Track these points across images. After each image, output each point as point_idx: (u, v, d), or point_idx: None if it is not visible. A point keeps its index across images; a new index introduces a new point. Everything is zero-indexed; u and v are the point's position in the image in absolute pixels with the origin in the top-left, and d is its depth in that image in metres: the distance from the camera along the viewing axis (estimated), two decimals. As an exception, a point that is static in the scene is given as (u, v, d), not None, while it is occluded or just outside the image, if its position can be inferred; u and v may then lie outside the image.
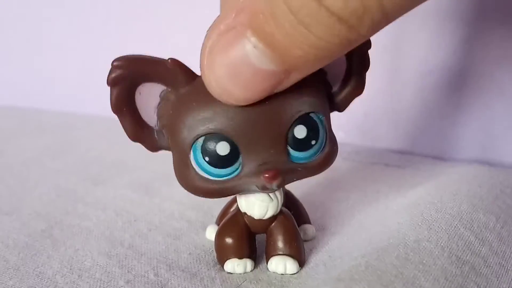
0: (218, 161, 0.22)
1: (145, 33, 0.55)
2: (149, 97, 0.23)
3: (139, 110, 0.24)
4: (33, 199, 0.36)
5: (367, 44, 0.24)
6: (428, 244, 0.24)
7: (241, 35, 0.19)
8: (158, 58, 0.22)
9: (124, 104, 0.23)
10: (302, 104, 0.22)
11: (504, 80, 0.39)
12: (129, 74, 0.22)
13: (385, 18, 0.18)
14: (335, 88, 0.25)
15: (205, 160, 0.22)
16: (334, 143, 0.24)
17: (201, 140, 0.22)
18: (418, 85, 0.42)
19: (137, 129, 0.24)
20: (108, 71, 0.22)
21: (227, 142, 0.22)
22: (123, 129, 0.24)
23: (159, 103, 0.23)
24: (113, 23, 0.57)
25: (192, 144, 0.22)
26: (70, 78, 0.62)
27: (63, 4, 0.60)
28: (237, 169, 0.22)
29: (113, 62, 0.22)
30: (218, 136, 0.22)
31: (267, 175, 0.22)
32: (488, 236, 0.26)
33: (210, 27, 0.20)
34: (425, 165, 0.39)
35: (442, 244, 0.24)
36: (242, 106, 0.21)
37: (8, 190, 0.39)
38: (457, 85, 0.40)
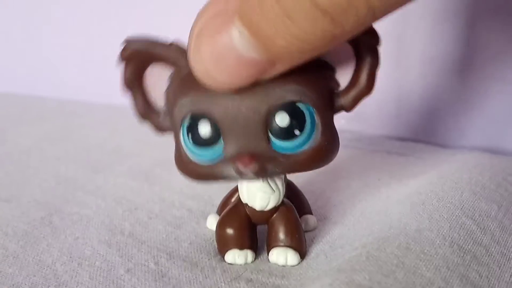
0: (200, 140, 0.22)
1: (145, 18, 0.54)
2: (159, 79, 0.24)
3: (149, 90, 0.24)
4: (32, 187, 0.36)
5: (376, 39, 0.23)
6: (430, 234, 0.24)
7: (229, 21, 0.19)
8: (163, 41, 0.23)
9: (135, 81, 0.24)
10: (287, 92, 0.22)
11: (507, 67, 0.38)
12: (139, 54, 0.23)
13: (372, 15, 0.17)
14: (343, 87, 0.24)
15: (189, 138, 0.23)
16: (332, 141, 0.23)
17: (187, 118, 0.22)
18: (420, 71, 0.41)
19: (146, 108, 0.24)
20: (121, 49, 0.23)
21: (209, 122, 0.22)
22: (132, 108, 0.24)
23: (167, 86, 0.24)
24: (114, 9, 0.57)
25: (181, 123, 0.23)
26: (71, 65, 0.62)
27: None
28: (220, 153, 0.22)
29: (124, 40, 0.23)
30: (201, 116, 0.22)
31: (242, 159, 0.22)
32: (490, 225, 0.25)
33: (200, 10, 0.20)
34: (427, 153, 0.39)
35: (443, 233, 0.24)
36: (228, 91, 0.21)
37: (8, 178, 0.38)
38: (460, 71, 0.40)
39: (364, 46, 0.23)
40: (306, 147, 0.22)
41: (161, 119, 0.24)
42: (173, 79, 0.24)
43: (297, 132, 0.22)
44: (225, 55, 0.19)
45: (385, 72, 0.42)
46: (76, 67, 0.61)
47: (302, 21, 0.17)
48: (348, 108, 0.24)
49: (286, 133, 0.22)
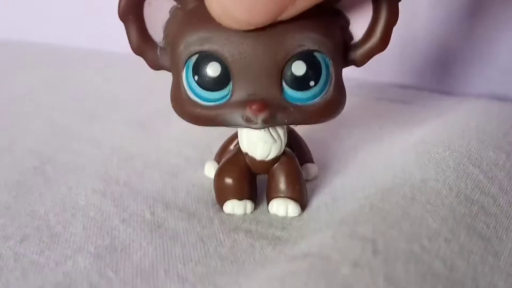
0: (207, 83, 0.22)
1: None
2: (159, 11, 0.23)
3: (146, 23, 0.23)
4: (25, 136, 0.36)
5: None
6: (435, 184, 0.23)
7: None
8: None
9: (132, 11, 0.22)
10: (306, 39, 0.21)
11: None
12: None
13: None
14: (356, 39, 0.24)
15: (195, 80, 0.22)
16: (341, 94, 0.23)
17: (194, 58, 0.22)
18: (426, 16, 0.40)
19: (142, 41, 0.23)
20: None
21: (220, 64, 0.21)
22: (127, 39, 0.23)
23: (168, 20, 0.23)
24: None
25: (186, 62, 0.22)
26: (65, 10, 0.60)
27: None
28: (226, 95, 0.22)
29: None
30: (211, 56, 0.21)
31: (253, 106, 0.21)
32: (498, 174, 0.25)
33: None
34: (432, 101, 0.39)
35: (449, 183, 0.23)
36: (244, 32, 0.20)
37: (1, 126, 0.38)
38: (468, 17, 0.39)
39: (385, 1, 0.22)
40: (318, 99, 0.22)
41: (158, 55, 0.23)
42: (175, 12, 0.23)
43: (312, 83, 0.22)
44: None
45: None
46: (70, 12, 0.60)
47: None
48: (359, 63, 0.24)
49: (301, 83, 0.22)
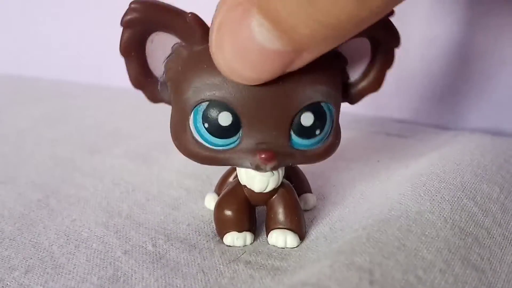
0: (217, 131, 0.22)
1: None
2: (161, 47, 0.23)
3: (147, 58, 0.23)
4: (29, 169, 0.36)
5: (396, 41, 0.23)
6: (431, 216, 0.24)
7: (247, 13, 0.18)
8: (179, 9, 0.21)
9: (134, 48, 0.22)
10: (315, 92, 0.22)
11: (507, 49, 0.38)
12: (145, 19, 0.21)
13: None
14: (352, 79, 0.25)
15: (204, 126, 0.22)
16: (338, 135, 0.24)
17: (204, 105, 0.22)
18: (421, 53, 0.41)
19: (141, 76, 0.23)
20: (125, 11, 0.21)
21: (231, 113, 0.21)
22: (127, 73, 0.23)
23: (169, 55, 0.23)
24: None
25: (195, 107, 0.22)
26: (67, 45, 0.61)
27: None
28: (234, 141, 0.22)
29: (131, 3, 0.21)
30: (222, 105, 0.21)
31: (263, 156, 0.21)
32: (492, 207, 0.25)
33: (219, 1, 0.19)
34: (427, 135, 0.39)
35: (445, 215, 0.24)
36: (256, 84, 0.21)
37: (4, 159, 0.38)
38: (460, 54, 0.40)
39: (384, 45, 0.23)
40: (320, 144, 0.23)
41: (159, 90, 0.24)
42: (179, 50, 0.23)
43: (317, 131, 0.22)
44: (248, 49, 0.19)
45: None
46: (72, 48, 0.61)
47: (325, 5, 0.17)
48: (353, 101, 0.25)
49: (308, 133, 0.22)
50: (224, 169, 0.29)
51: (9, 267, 0.25)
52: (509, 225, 0.24)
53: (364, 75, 0.24)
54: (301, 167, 0.29)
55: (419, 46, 0.41)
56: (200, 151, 0.23)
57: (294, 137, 0.22)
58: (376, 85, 0.24)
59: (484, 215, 0.25)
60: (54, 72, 0.62)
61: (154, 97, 0.24)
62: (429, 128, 0.41)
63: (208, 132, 0.22)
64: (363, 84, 0.24)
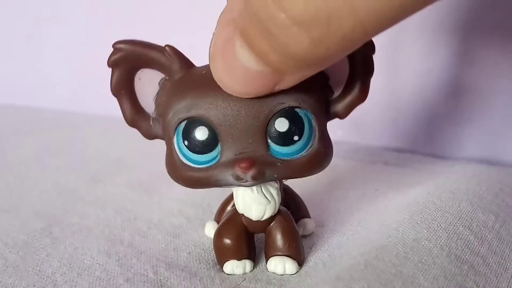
0: (197, 146, 0.22)
1: (145, 34, 0.55)
2: (148, 85, 0.24)
3: (138, 96, 0.24)
4: (32, 198, 0.36)
5: (371, 48, 0.23)
6: (427, 243, 0.24)
7: (233, 34, 0.19)
8: (156, 44, 0.23)
9: (123, 87, 0.24)
10: (286, 97, 0.22)
11: (504, 80, 0.39)
12: (129, 57, 0.23)
13: (362, 31, 0.16)
14: (336, 94, 0.25)
15: (185, 145, 0.22)
16: (326, 147, 0.24)
17: (183, 124, 0.22)
18: (417, 84, 0.42)
19: (135, 114, 0.24)
20: (110, 53, 0.23)
21: (206, 127, 0.22)
22: (121, 113, 0.24)
23: (158, 91, 0.24)
24: (113, 22, 0.57)
25: (176, 128, 0.23)
26: (70, 76, 0.62)
27: (63, 3, 0.60)
28: (215, 157, 0.23)
29: (114, 44, 0.23)
30: (198, 121, 0.22)
31: (242, 164, 0.22)
32: (487, 235, 0.26)
33: (219, 17, 0.20)
34: (424, 164, 0.39)
35: (441, 243, 0.24)
36: (227, 96, 0.21)
37: (8, 188, 0.39)
38: (457, 84, 0.40)
39: (359, 55, 0.23)
40: (304, 152, 0.23)
41: (151, 126, 0.25)
42: (164, 84, 0.24)
43: (295, 137, 0.22)
44: (234, 68, 0.20)
45: (383, 84, 0.42)
46: (75, 78, 0.62)
47: (285, 40, 0.17)
48: (342, 115, 0.25)
49: (285, 139, 0.22)
50: (223, 197, 0.29)
51: (13, 295, 0.25)
52: (504, 253, 0.25)
53: (348, 87, 0.24)
54: (300, 196, 0.29)
55: (417, 76, 0.42)
56: (187, 173, 0.23)
57: (272, 144, 0.22)
58: (362, 95, 0.24)
59: (479, 243, 0.25)
60: (57, 102, 0.62)
61: (148, 134, 0.25)
62: (426, 157, 0.41)
63: (189, 150, 0.23)
64: (349, 96, 0.24)
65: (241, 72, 0.20)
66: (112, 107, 0.24)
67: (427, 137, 0.43)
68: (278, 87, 0.20)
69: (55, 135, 0.52)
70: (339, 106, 0.24)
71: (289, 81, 0.20)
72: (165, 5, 0.52)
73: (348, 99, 0.24)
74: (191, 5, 0.50)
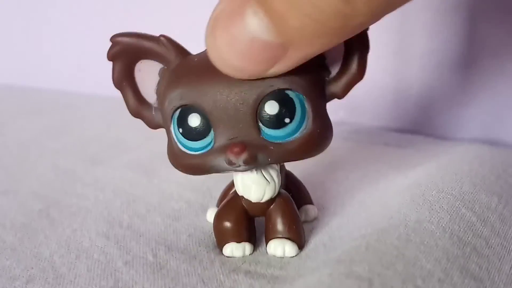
0: (190, 133, 0.23)
1: (143, 13, 0.54)
2: (149, 75, 0.24)
3: (140, 87, 0.25)
4: (30, 179, 0.36)
5: None
6: (430, 225, 0.24)
7: (245, 2, 0.19)
8: (152, 35, 0.23)
9: (124, 79, 0.24)
10: (276, 80, 0.22)
11: (507, 59, 0.38)
12: (127, 49, 0.23)
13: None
14: (334, 73, 0.24)
15: (179, 132, 0.23)
16: (324, 128, 0.23)
17: (177, 112, 0.23)
18: (419, 64, 0.41)
19: (138, 105, 0.25)
20: (109, 47, 0.23)
21: (199, 114, 0.22)
22: (125, 104, 0.25)
23: (158, 81, 0.24)
24: (113, 1, 0.56)
25: (172, 116, 0.23)
26: (69, 57, 0.62)
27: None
28: (209, 143, 0.23)
29: (111, 38, 0.23)
30: (191, 109, 0.22)
31: (233, 149, 0.22)
32: (490, 217, 0.25)
33: None
34: (426, 145, 0.39)
35: (443, 225, 0.24)
36: (217, 82, 0.22)
37: (6, 170, 0.38)
38: (459, 64, 0.40)
39: None
40: (297, 135, 0.22)
41: (154, 115, 0.25)
42: (163, 74, 0.24)
43: (287, 120, 0.22)
44: (239, 38, 0.19)
45: (384, 64, 0.42)
46: (74, 59, 0.61)
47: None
48: (340, 95, 0.24)
49: (276, 122, 0.22)
50: (224, 181, 0.29)
51: (10, 277, 0.25)
52: (507, 234, 0.25)
53: (345, 66, 0.24)
54: (299, 177, 0.29)
55: (419, 57, 0.41)
56: (185, 160, 0.23)
57: (263, 127, 0.22)
58: (359, 74, 0.24)
59: (482, 224, 0.25)
60: (55, 83, 0.62)
61: (152, 124, 0.25)
62: (427, 138, 0.41)
63: (184, 137, 0.23)
64: (346, 75, 0.24)
65: (245, 43, 0.19)
66: (112, 87, 0.24)
67: (428, 118, 0.43)
68: (274, 70, 0.20)
69: (54, 116, 0.52)
70: (337, 86, 0.24)
71: (290, 60, 0.20)
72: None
73: (345, 77, 0.24)
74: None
